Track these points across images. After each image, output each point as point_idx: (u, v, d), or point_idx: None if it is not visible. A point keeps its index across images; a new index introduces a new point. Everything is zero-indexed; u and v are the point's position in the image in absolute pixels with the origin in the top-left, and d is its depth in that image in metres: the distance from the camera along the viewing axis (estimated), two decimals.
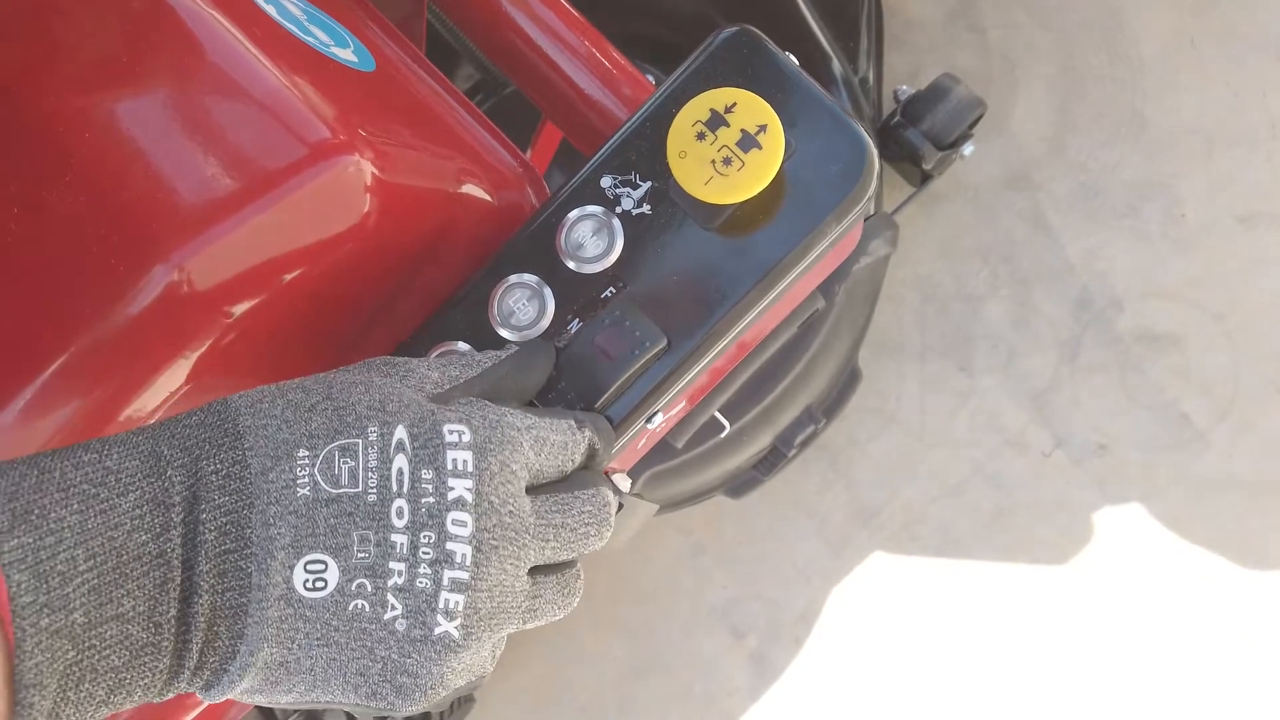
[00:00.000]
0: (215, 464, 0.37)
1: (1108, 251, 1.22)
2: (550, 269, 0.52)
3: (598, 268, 0.51)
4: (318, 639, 0.37)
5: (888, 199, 1.10)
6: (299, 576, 0.36)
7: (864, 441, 1.29)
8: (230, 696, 0.38)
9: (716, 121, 0.47)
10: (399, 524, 0.37)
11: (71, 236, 0.45)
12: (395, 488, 0.38)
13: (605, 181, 0.52)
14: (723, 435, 0.96)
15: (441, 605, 0.38)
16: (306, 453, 0.37)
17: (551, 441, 0.43)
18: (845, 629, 1.31)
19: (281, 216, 0.47)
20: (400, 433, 0.39)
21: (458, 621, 0.38)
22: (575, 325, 0.51)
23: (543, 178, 0.65)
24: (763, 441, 1.01)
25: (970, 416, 1.26)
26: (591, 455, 0.47)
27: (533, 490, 0.43)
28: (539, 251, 0.52)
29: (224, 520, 0.36)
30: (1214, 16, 1.24)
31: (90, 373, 0.44)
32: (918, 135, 1.03)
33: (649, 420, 0.51)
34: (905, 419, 1.28)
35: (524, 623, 0.42)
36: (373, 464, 0.38)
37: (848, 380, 1.04)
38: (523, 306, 0.51)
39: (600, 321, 0.50)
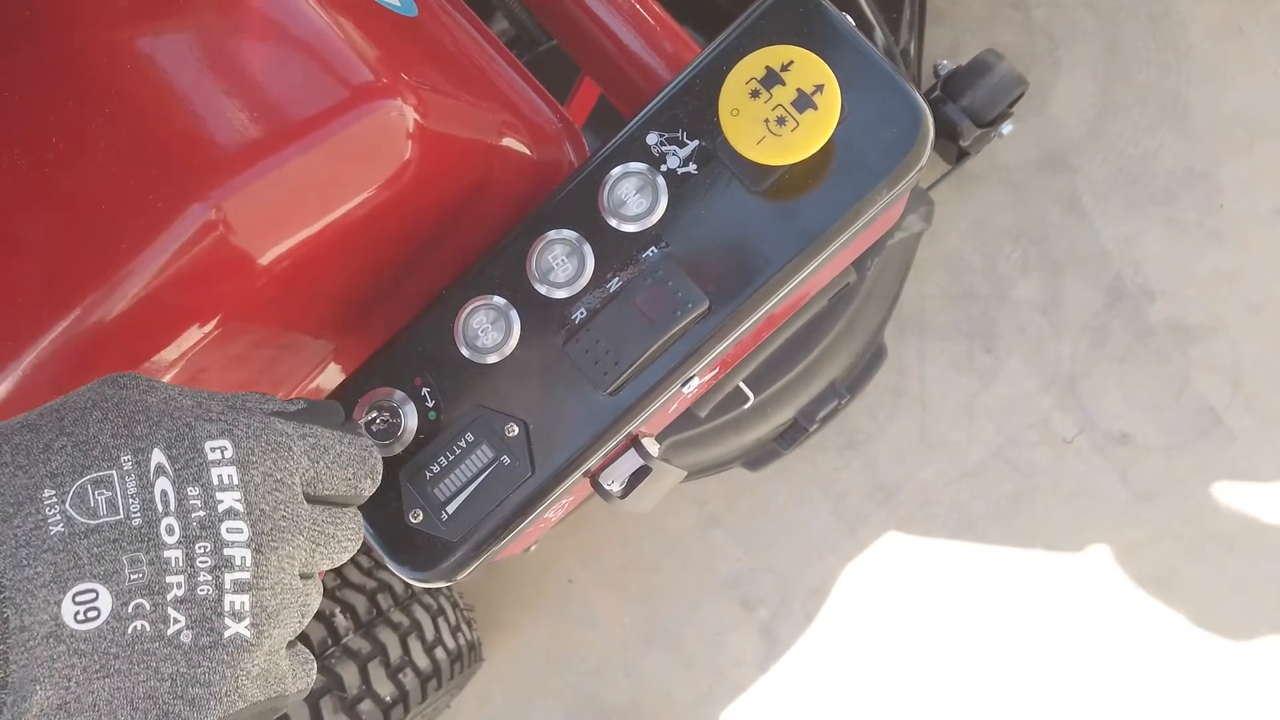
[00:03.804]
0: None
1: (1143, 239, 1.21)
2: (591, 226, 0.51)
3: (640, 226, 0.50)
4: (97, 671, 0.34)
5: (922, 175, 1.08)
6: (68, 610, 0.34)
7: (883, 420, 1.28)
8: None
9: (772, 80, 0.45)
10: (170, 540, 0.35)
11: (110, 170, 0.44)
12: (161, 508, 0.35)
13: (651, 138, 0.50)
14: (746, 406, 0.95)
15: (228, 608, 0.36)
16: (52, 492, 0.35)
17: (335, 451, 0.41)
18: (856, 606, 1.31)
19: (321, 160, 0.46)
20: (158, 456, 0.36)
21: (247, 621, 0.36)
22: (615, 283, 0.50)
23: None
24: (785, 415, 1.00)
25: (993, 399, 1.25)
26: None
27: (313, 500, 0.41)
28: (580, 208, 0.51)
29: None
30: (1264, 4, 1.21)
31: (124, 307, 0.44)
32: (957, 111, 1.01)
33: (685, 385, 0.51)
34: (926, 399, 1.26)
35: (302, 620, 0.41)
36: (132, 491, 0.35)
37: (873, 357, 1.03)
38: (561, 263, 0.51)
39: (641, 281, 0.49)
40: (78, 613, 0.34)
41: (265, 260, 0.46)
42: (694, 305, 0.48)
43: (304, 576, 0.41)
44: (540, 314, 0.51)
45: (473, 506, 0.50)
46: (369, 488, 0.43)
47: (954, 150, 1.04)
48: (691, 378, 0.50)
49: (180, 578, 0.35)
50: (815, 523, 1.31)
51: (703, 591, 1.35)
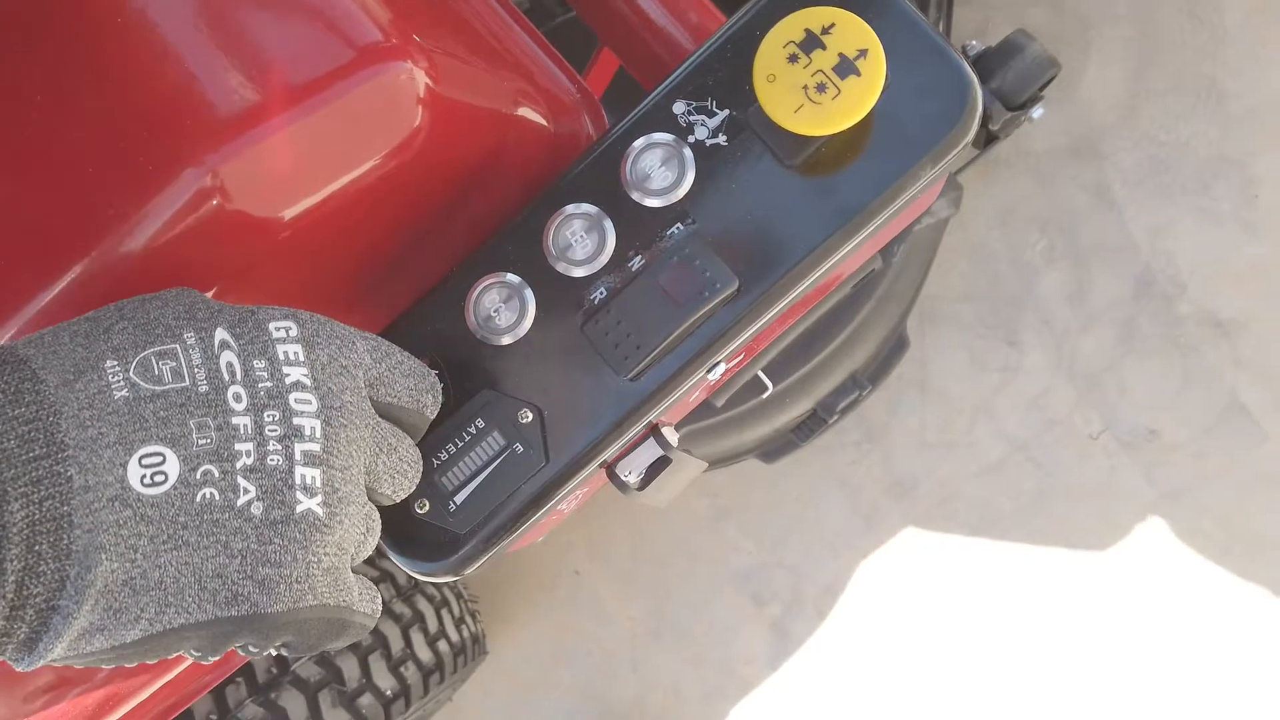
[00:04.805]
0: None
1: (1174, 230, 1.17)
2: (612, 200, 0.47)
3: (665, 201, 0.47)
4: (165, 541, 0.32)
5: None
6: (134, 472, 0.32)
7: (903, 413, 1.25)
8: (61, 650, 0.32)
9: (812, 43, 0.42)
10: (239, 407, 0.34)
11: (99, 131, 0.41)
12: (227, 377, 0.35)
13: (678, 108, 0.47)
14: (764, 396, 0.92)
15: (299, 481, 0.35)
16: (115, 363, 0.34)
17: (396, 358, 0.41)
18: (871, 604, 1.28)
19: (325, 124, 0.43)
20: (221, 334, 0.36)
21: (319, 498, 0.35)
22: (637, 262, 0.46)
23: None
24: (803, 406, 0.97)
25: (1016, 393, 1.22)
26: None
27: (378, 406, 0.40)
28: (601, 181, 0.48)
29: (24, 429, 0.31)
30: None
31: (111, 278, 0.41)
32: (986, 93, 0.98)
33: (710, 371, 0.47)
34: (947, 392, 1.23)
35: (367, 537, 0.39)
36: (197, 361, 0.35)
37: (894, 347, 0.99)
38: (580, 239, 0.47)
39: (666, 259, 0.46)
40: (144, 475, 0.32)
41: (264, 231, 0.43)
42: (723, 285, 0.45)
43: (368, 489, 0.39)
44: (557, 293, 0.48)
45: (482, 497, 0.47)
46: (431, 407, 0.42)
47: (983, 134, 1.00)
48: (718, 363, 0.47)
49: (249, 445, 0.34)
50: (830, 518, 1.28)
51: (713, 586, 1.32)
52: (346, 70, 0.43)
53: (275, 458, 0.34)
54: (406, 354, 0.42)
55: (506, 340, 0.48)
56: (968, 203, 1.19)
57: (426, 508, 0.47)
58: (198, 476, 0.33)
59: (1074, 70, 1.18)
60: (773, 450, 1.04)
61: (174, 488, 0.32)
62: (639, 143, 0.47)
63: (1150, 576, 1.21)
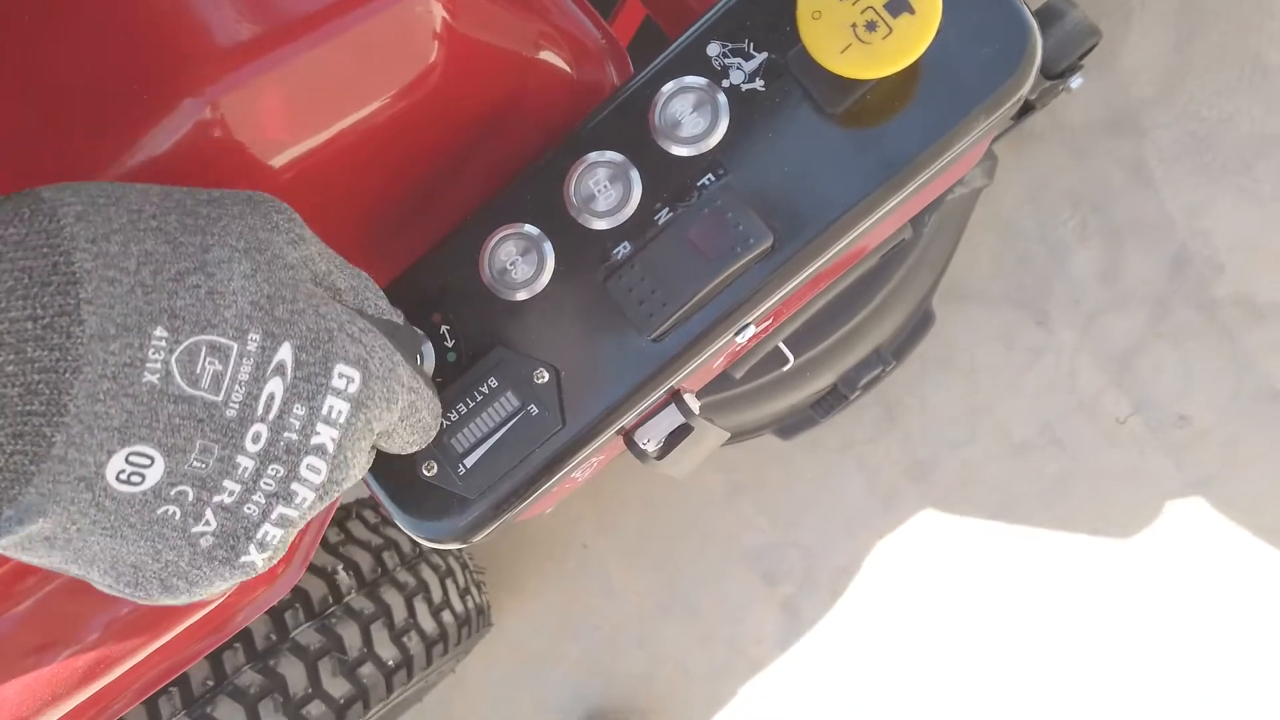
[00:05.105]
0: (34, 307, 0.29)
1: (1213, 209, 1.13)
2: (639, 148, 0.44)
3: (696, 150, 0.44)
4: (104, 529, 0.32)
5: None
6: (114, 465, 0.31)
7: (925, 392, 1.21)
8: None
9: None
10: (251, 449, 0.33)
11: (91, 54, 0.38)
12: (260, 411, 0.32)
13: (712, 49, 0.44)
14: (785, 369, 0.89)
15: (260, 536, 0.34)
16: (165, 334, 0.31)
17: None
18: (885, 587, 1.25)
19: (335, 56, 0.40)
20: (284, 354, 0.33)
21: (267, 554, 0.35)
22: (665, 215, 0.43)
23: None
24: (825, 380, 0.93)
25: (1042, 374, 1.18)
26: None
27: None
28: (627, 127, 0.45)
29: (36, 379, 0.29)
30: None
31: None
32: None
33: (739, 333, 0.45)
34: (972, 371, 1.20)
35: None
36: (243, 378, 0.32)
37: (920, 322, 0.96)
38: (604, 189, 0.44)
39: (696, 212, 0.43)
40: (123, 472, 0.31)
41: (267, 169, 0.40)
42: (756, 241, 0.42)
43: None
44: (578, 246, 0.45)
45: (494, 461, 0.44)
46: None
47: (1018, 104, 0.97)
48: (747, 325, 0.44)
49: (237, 487, 0.33)
50: (847, 497, 1.25)
51: (725, 563, 1.30)
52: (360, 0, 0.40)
53: (252, 508, 0.34)
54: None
55: (523, 295, 0.45)
56: (999, 175, 1.15)
57: (434, 470, 0.45)
58: (172, 494, 0.32)
59: (1113, 41, 1.14)
60: (790, 426, 1.01)
61: (143, 493, 0.32)
62: (669, 86, 0.44)
63: (1174, 566, 1.18)
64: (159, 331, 0.30)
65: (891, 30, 0.38)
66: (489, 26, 0.46)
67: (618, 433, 0.47)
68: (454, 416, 0.45)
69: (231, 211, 0.34)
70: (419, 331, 0.45)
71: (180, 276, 0.31)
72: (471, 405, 0.45)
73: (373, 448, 0.39)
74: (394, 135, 0.43)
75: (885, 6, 0.39)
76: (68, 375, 0.29)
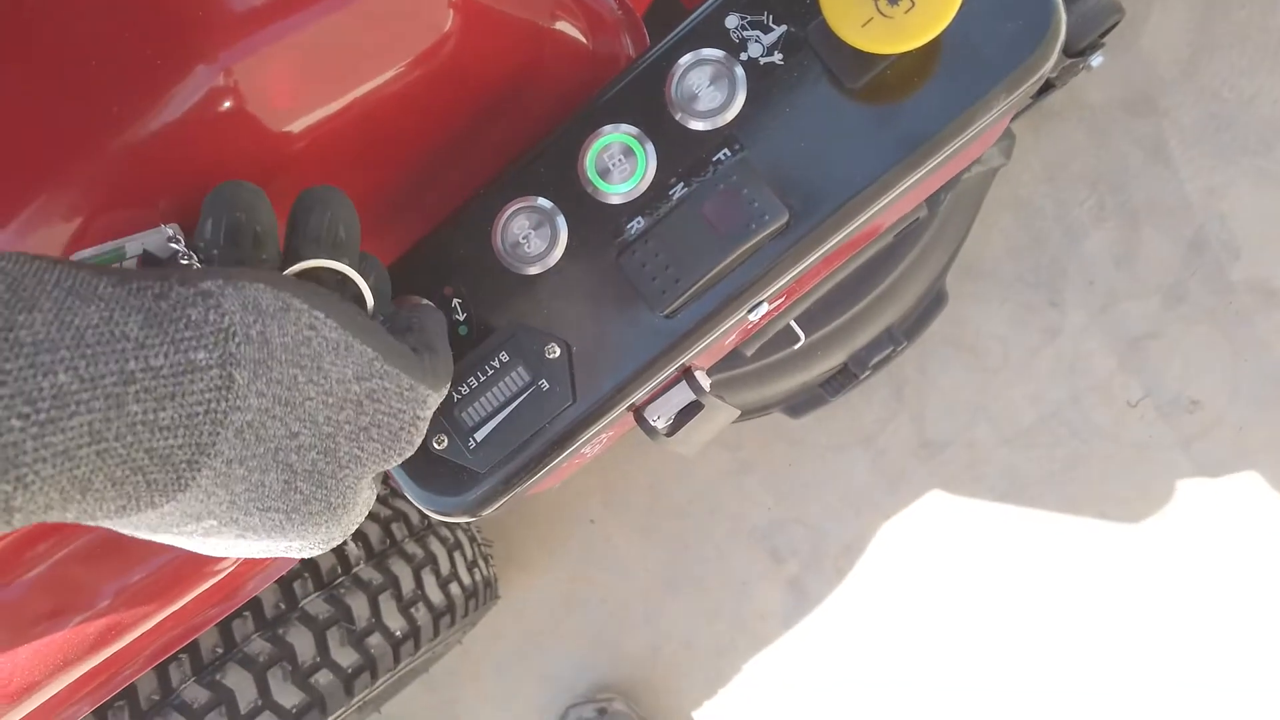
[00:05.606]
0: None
1: (1232, 191, 1.12)
2: (654, 121, 0.44)
3: (712, 124, 0.43)
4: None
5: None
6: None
7: (935, 372, 1.21)
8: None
9: None
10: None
11: (101, 19, 0.37)
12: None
13: (730, 21, 0.43)
14: (796, 347, 0.89)
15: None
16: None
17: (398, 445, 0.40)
18: (892, 566, 1.25)
19: (349, 23, 0.39)
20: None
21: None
22: (679, 189, 0.43)
23: None
24: (835, 359, 0.93)
25: (1055, 356, 1.17)
26: None
27: None
28: (642, 100, 0.44)
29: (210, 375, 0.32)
30: None
31: (115, 184, 0.38)
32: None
33: (752, 310, 0.44)
34: (983, 352, 1.19)
35: None
36: None
37: (933, 302, 0.95)
38: (619, 162, 0.44)
39: (711, 186, 0.42)
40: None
41: (279, 137, 0.40)
42: (771, 218, 0.41)
43: None
44: (591, 220, 0.44)
45: (504, 435, 0.44)
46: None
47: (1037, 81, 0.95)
48: (761, 302, 0.44)
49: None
50: (854, 476, 1.25)
51: (731, 540, 1.30)
52: None
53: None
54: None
55: (535, 269, 0.45)
56: (1015, 154, 1.14)
57: (445, 443, 0.45)
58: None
59: (1135, 20, 1.12)
60: (800, 404, 1.00)
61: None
62: (686, 59, 0.43)
63: (1183, 550, 1.17)
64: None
65: (915, 4, 0.38)
66: None
67: (628, 409, 0.46)
68: (465, 390, 0.44)
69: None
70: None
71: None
72: (483, 379, 0.44)
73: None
74: (408, 105, 0.43)
75: None
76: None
